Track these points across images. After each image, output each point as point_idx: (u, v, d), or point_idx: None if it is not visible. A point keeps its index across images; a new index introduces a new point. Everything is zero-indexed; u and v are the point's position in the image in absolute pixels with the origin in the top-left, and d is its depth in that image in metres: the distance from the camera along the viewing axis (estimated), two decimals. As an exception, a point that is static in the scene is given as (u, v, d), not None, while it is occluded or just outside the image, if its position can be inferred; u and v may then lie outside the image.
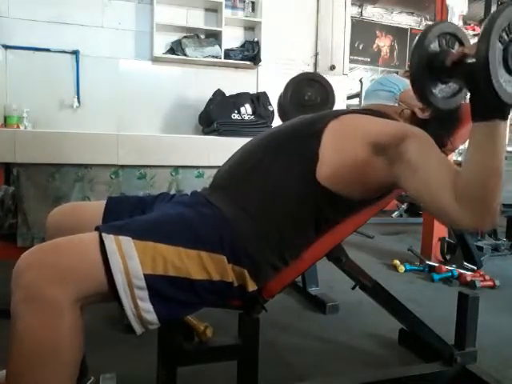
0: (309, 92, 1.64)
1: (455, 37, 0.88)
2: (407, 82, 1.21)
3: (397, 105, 1.19)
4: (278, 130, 1.14)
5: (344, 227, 1.09)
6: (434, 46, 0.84)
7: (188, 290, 0.84)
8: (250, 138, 1.15)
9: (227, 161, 1.13)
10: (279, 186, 0.98)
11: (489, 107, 0.78)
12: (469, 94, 0.82)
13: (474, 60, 0.75)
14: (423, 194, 0.88)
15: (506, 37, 0.73)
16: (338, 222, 1.06)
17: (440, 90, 0.87)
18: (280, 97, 1.73)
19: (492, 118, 0.78)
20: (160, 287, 0.81)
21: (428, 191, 0.87)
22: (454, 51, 0.84)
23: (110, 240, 0.78)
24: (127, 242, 0.79)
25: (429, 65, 0.83)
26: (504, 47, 0.73)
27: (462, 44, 0.88)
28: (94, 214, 1.07)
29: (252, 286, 0.93)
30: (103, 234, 0.79)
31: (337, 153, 0.97)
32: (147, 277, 0.79)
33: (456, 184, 0.82)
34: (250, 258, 0.91)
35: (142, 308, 0.79)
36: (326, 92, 1.68)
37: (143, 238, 0.81)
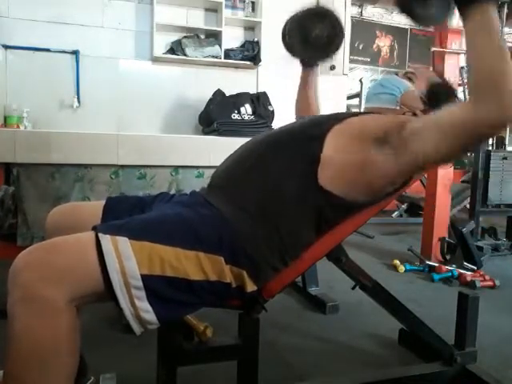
0: (317, 29, 1.42)
1: None
2: (408, 83, 1.21)
3: (398, 108, 1.19)
4: (279, 130, 1.13)
5: (344, 227, 1.08)
6: None
7: (186, 291, 0.84)
8: (250, 138, 1.15)
9: (225, 160, 1.13)
10: (279, 186, 0.98)
11: None
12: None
13: None
14: (439, 139, 0.86)
15: None
16: (338, 222, 1.06)
17: (427, 8, 0.91)
18: (284, 27, 1.52)
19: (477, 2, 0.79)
20: (157, 287, 0.80)
21: (439, 129, 0.86)
22: None
23: (106, 240, 0.78)
24: (124, 242, 0.79)
25: None
26: None
27: None
28: (93, 214, 1.07)
29: (251, 287, 0.93)
30: (100, 234, 0.79)
31: (341, 156, 0.98)
32: (144, 277, 0.79)
33: (463, 102, 0.83)
34: (249, 258, 0.91)
35: (140, 308, 0.79)
36: (334, 31, 1.42)
37: (140, 239, 0.81)
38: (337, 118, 1.05)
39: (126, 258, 0.78)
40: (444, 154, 0.90)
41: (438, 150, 0.88)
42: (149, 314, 0.80)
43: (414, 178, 1.13)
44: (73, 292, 0.74)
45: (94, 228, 0.81)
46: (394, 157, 0.93)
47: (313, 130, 1.03)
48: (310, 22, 1.43)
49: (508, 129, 5.31)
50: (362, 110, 1.37)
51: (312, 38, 1.42)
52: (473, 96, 0.80)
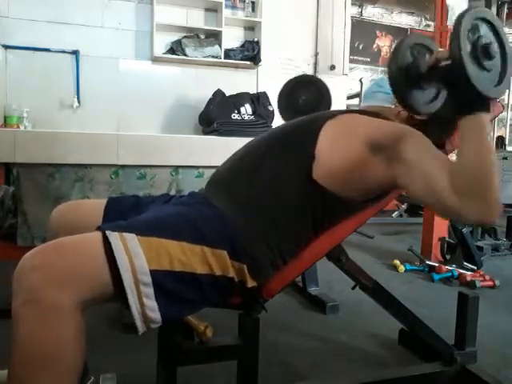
0: (303, 96, 1.59)
1: (425, 46, 0.95)
2: None
3: (393, 106, 1.19)
4: (277, 130, 1.15)
5: (344, 227, 1.09)
6: (408, 57, 0.91)
7: (193, 286, 0.85)
8: (250, 138, 1.16)
9: (226, 160, 1.14)
10: (277, 186, 0.98)
11: (469, 102, 0.83)
12: (447, 96, 0.90)
13: (448, 62, 0.83)
14: (421, 190, 0.89)
15: (471, 36, 0.82)
16: (336, 221, 1.06)
17: (420, 96, 0.94)
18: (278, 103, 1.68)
19: (475, 111, 0.82)
20: (166, 283, 0.81)
21: (425, 186, 0.87)
22: (427, 58, 0.91)
23: (114, 237, 0.78)
24: (132, 238, 0.80)
25: (406, 75, 0.90)
26: (472, 46, 0.81)
27: (431, 52, 0.94)
28: (96, 212, 1.07)
29: (251, 283, 0.93)
30: (107, 232, 0.79)
31: (334, 152, 0.98)
32: (153, 272, 0.79)
33: (453, 175, 0.83)
34: (248, 254, 0.92)
35: (147, 306, 0.79)
36: (321, 93, 1.61)
37: (147, 235, 0.82)
38: (330, 115, 1.07)
39: (135, 255, 0.78)
40: (425, 200, 0.92)
41: (421, 196, 0.90)
42: (154, 312, 0.80)
43: None
44: (80, 295, 0.73)
45: (99, 228, 0.81)
46: (386, 166, 0.94)
47: (308, 128, 1.05)
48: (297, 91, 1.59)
49: (508, 129, 5.31)
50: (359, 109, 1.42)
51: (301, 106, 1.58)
52: (457, 185, 0.82)
